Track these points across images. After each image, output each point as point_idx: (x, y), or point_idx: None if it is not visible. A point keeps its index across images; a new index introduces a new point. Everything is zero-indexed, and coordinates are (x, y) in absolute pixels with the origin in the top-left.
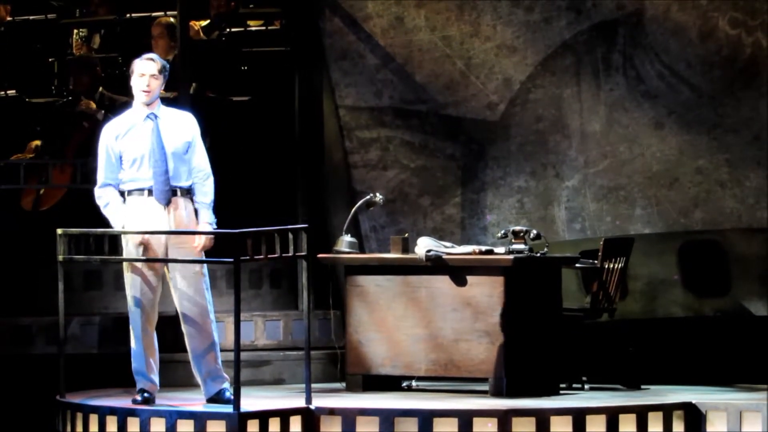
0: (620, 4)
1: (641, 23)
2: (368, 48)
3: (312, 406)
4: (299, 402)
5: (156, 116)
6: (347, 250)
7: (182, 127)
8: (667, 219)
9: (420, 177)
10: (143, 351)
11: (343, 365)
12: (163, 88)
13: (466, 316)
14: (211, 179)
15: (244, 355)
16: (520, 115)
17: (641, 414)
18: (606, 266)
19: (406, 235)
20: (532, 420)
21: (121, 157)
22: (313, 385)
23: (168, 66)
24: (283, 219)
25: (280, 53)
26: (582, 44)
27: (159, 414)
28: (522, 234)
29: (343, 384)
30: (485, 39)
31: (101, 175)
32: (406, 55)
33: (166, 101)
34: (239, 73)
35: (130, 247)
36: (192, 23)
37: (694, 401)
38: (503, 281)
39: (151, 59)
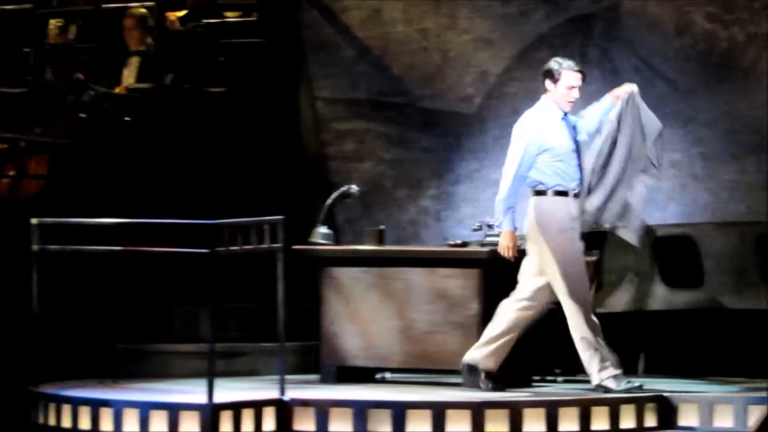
0: None
1: (617, 17)
2: (345, 40)
3: (286, 398)
4: (273, 393)
5: (567, 116)
6: (322, 241)
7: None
8: (642, 212)
9: (396, 169)
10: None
11: (317, 357)
12: None
13: (440, 309)
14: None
15: (218, 346)
16: (496, 107)
17: (614, 406)
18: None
19: (382, 227)
20: (506, 412)
21: (544, 151)
22: (288, 377)
23: None
24: (259, 210)
25: (258, 45)
26: (558, 37)
27: (132, 405)
28: (497, 226)
29: (318, 375)
30: (462, 32)
31: (520, 165)
32: (383, 48)
33: (142, 92)
34: (216, 65)
35: (572, 248)
36: (169, 14)
37: (666, 394)
38: (478, 274)
39: (581, 71)
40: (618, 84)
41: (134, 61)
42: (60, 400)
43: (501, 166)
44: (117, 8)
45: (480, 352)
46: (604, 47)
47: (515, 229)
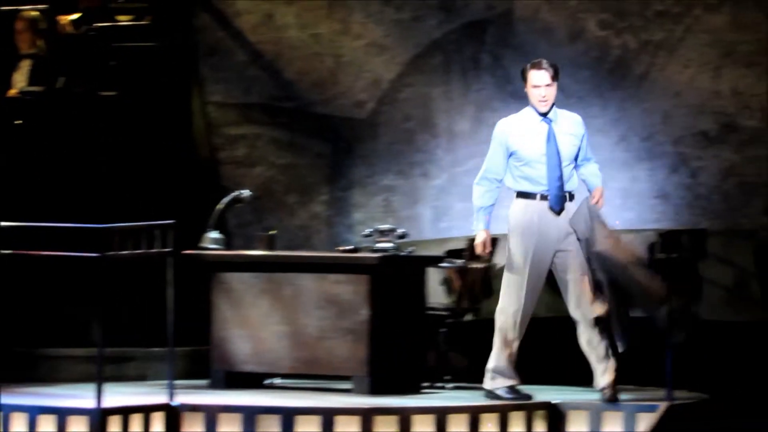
0: (490, 4)
1: (510, 23)
2: (238, 44)
3: (174, 403)
4: (162, 398)
5: (551, 120)
6: (213, 246)
7: (573, 131)
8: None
9: (287, 174)
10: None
11: (207, 362)
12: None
13: (330, 314)
14: (594, 164)
15: (107, 351)
16: (388, 113)
17: (503, 413)
18: (471, 266)
19: (272, 232)
20: (395, 419)
21: (511, 155)
22: (177, 382)
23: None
24: (150, 215)
25: (150, 49)
26: (451, 43)
27: (20, 409)
28: (388, 232)
29: (207, 381)
30: (355, 37)
31: (485, 168)
32: (275, 52)
33: (33, 95)
34: (108, 68)
35: (517, 253)
36: (61, 17)
37: (555, 401)
38: (368, 280)
39: (544, 68)
40: (510, 90)
41: (26, 65)
42: None
43: (392, 172)
44: (8, 11)
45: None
46: (497, 53)
47: (488, 228)
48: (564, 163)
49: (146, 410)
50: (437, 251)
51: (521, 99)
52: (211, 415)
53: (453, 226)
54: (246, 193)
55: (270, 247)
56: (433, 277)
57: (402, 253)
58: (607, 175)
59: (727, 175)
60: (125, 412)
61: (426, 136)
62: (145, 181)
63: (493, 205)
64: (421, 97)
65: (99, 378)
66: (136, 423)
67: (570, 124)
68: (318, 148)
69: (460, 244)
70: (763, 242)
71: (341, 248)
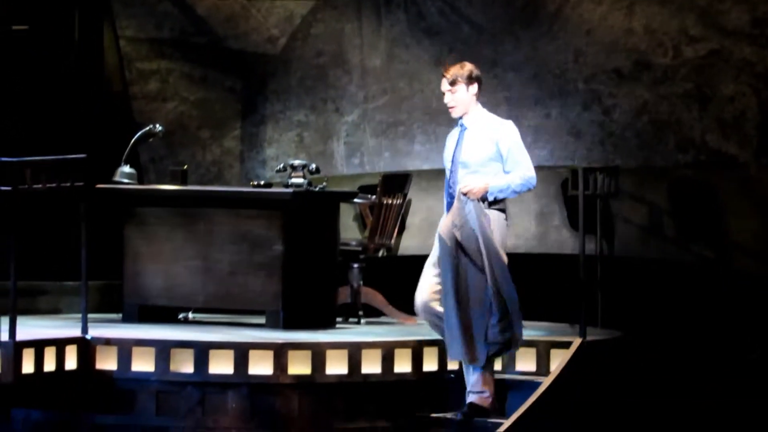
0: None
1: None
2: None
3: (88, 336)
4: (75, 332)
5: (464, 126)
6: (125, 180)
7: (487, 136)
8: None
9: (199, 109)
10: None
11: (120, 296)
12: (475, 92)
13: (243, 249)
14: (524, 173)
15: (20, 284)
16: (300, 49)
17: (416, 349)
18: (384, 202)
19: (185, 167)
20: (308, 353)
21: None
22: (90, 315)
23: (470, 68)
24: (63, 149)
25: None
26: None
27: None
28: (301, 168)
29: (120, 315)
30: None
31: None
32: None
33: None
34: (19, 3)
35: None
36: None
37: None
38: (281, 215)
39: (444, 76)
40: (423, 27)
41: None
42: None
43: (305, 107)
44: None
45: None
46: None
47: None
48: (465, 169)
49: (60, 343)
50: (350, 187)
51: (433, 36)
52: (124, 348)
53: (366, 161)
54: (159, 127)
55: (182, 182)
56: (346, 213)
57: (315, 189)
58: (520, 113)
59: (640, 112)
60: (39, 345)
61: (338, 72)
62: (57, 116)
63: None
64: (334, 33)
65: (13, 311)
66: (49, 356)
67: (486, 129)
68: (230, 84)
69: (373, 180)
70: (675, 180)
71: (254, 183)
